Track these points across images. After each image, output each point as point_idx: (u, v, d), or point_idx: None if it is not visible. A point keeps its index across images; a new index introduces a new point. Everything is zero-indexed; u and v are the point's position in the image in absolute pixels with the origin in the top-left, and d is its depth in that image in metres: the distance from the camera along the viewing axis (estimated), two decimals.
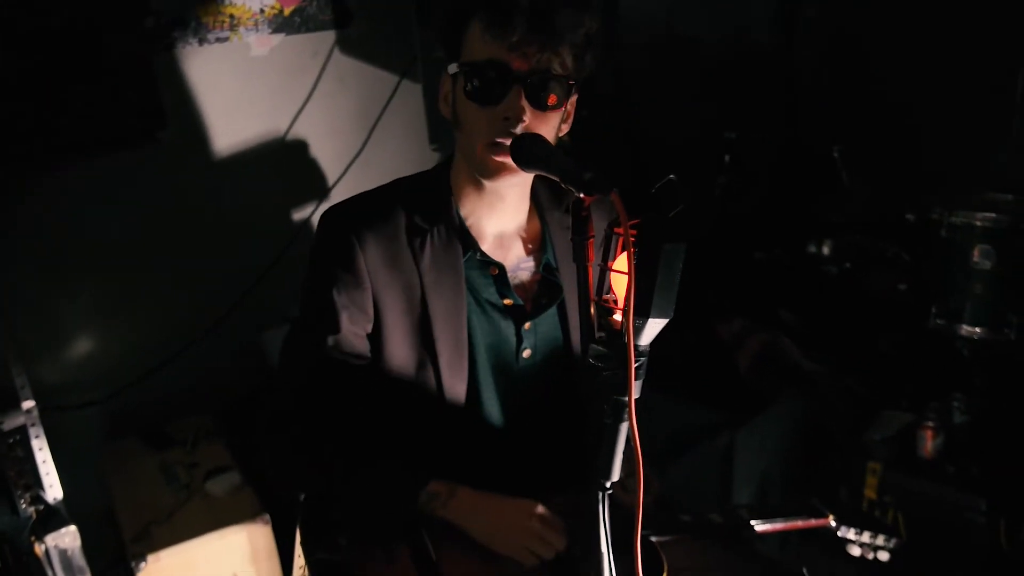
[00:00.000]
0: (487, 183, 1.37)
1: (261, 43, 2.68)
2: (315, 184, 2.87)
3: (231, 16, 2.59)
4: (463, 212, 1.43)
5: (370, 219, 1.39)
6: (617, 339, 1.10)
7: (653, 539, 1.48)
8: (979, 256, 2.29)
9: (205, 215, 2.62)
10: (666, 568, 1.37)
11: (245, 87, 2.67)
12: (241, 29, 2.63)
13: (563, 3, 1.27)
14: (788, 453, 2.47)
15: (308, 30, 2.77)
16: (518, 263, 1.47)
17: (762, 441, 2.40)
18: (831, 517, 1.67)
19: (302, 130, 2.82)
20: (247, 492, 2.11)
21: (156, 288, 2.57)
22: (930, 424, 2.32)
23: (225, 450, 2.32)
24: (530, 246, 1.48)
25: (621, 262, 1.10)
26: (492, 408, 1.49)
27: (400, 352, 1.41)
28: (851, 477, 2.39)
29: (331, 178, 2.89)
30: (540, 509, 1.33)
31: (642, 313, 1.05)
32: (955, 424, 2.36)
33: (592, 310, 1.13)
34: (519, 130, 1.28)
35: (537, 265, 1.47)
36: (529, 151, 1.22)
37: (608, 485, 1.15)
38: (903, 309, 2.56)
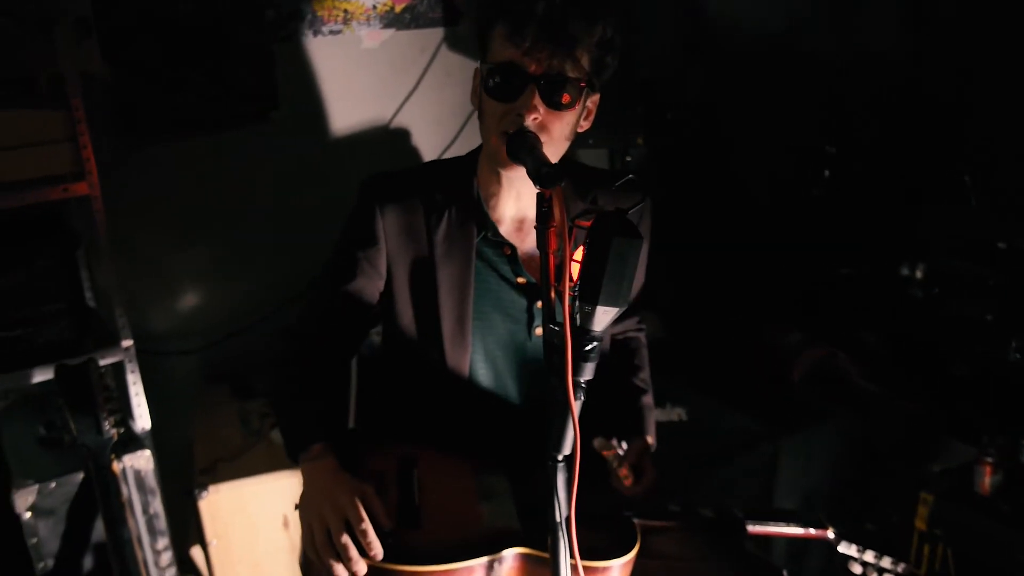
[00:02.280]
0: (500, 171, 1.49)
1: (372, 37, 2.89)
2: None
3: (345, 11, 2.81)
4: (484, 195, 1.56)
5: (395, 190, 1.56)
6: (571, 323, 1.19)
7: (636, 521, 1.55)
8: None
9: (306, 191, 2.84)
10: (639, 544, 1.43)
11: (354, 77, 2.88)
12: (354, 23, 2.84)
13: (576, 12, 1.37)
14: (836, 471, 2.44)
15: (418, 26, 2.94)
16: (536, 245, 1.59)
17: (808, 455, 2.38)
18: (830, 529, 1.66)
19: (406, 119, 3.00)
20: None
21: (256, 254, 2.82)
22: (989, 460, 2.24)
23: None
24: None
25: (581, 252, 1.19)
26: (503, 382, 1.61)
27: (406, 316, 1.56)
28: (903, 505, 2.34)
29: None
30: (351, 498, 1.31)
31: (590, 300, 1.14)
32: (1022, 463, 2.27)
33: (552, 295, 1.23)
34: (530, 124, 1.39)
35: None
36: (514, 146, 1.34)
37: (560, 458, 1.24)
38: (985, 340, 2.48)
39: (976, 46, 2.88)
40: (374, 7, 2.85)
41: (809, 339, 2.54)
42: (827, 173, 3.07)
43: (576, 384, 1.19)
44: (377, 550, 1.27)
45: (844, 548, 1.67)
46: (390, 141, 3.00)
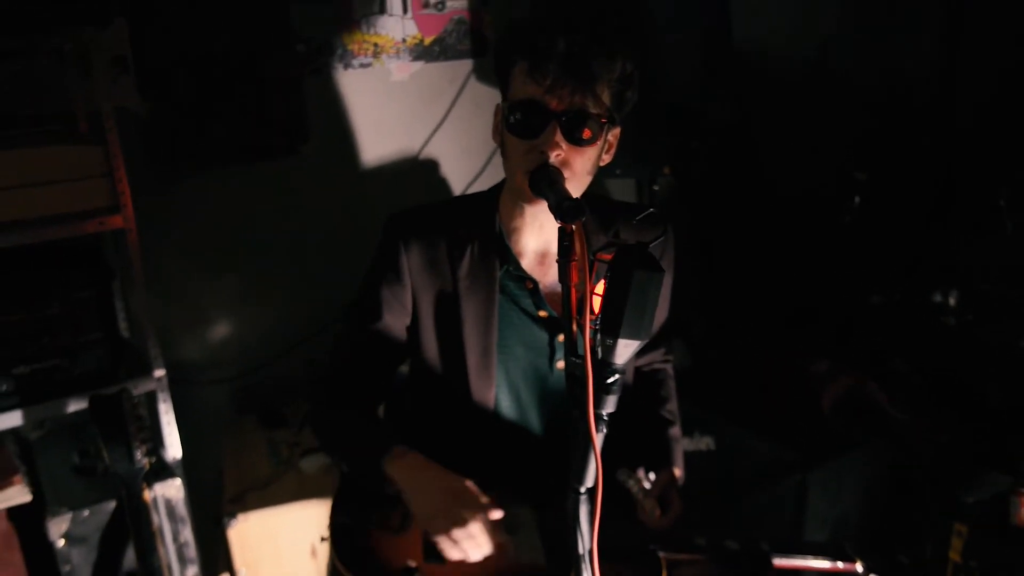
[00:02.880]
0: (524, 206, 1.51)
1: (401, 69, 2.93)
2: (442, 198, 3.07)
3: (375, 44, 2.86)
4: (506, 229, 1.57)
5: (419, 226, 1.58)
6: (594, 357, 1.20)
7: (662, 554, 1.55)
8: None
9: (336, 221, 2.88)
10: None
11: (384, 109, 2.92)
12: (384, 56, 2.89)
13: (597, 49, 1.38)
14: (867, 501, 2.41)
15: (447, 59, 2.99)
16: (558, 279, 1.60)
17: (838, 485, 2.35)
18: (859, 563, 1.64)
19: (434, 150, 3.04)
20: (334, 473, 2.34)
21: (286, 284, 2.86)
22: None
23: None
24: None
25: (603, 286, 1.20)
26: (527, 415, 1.62)
27: (431, 350, 1.58)
28: (937, 536, 2.30)
29: (457, 194, 3.09)
30: (470, 490, 1.42)
31: (612, 333, 1.15)
32: None
33: (574, 328, 1.24)
34: (553, 161, 1.41)
35: None
36: (536, 180, 1.35)
37: (582, 491, 1.25)
38: (1020, 367, 2.44)
39: (1009, 70, 2.87)
40: (403, 40, 2.90)
41: (839, 367, 2.51)
42: (857, 200, 3.06)
43: (598, 417, 1.19)
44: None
45: None
46: (419, 172, 3.03)
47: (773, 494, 2.39)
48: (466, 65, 3.02)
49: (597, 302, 1.21)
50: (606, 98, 1.42)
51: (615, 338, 1.15)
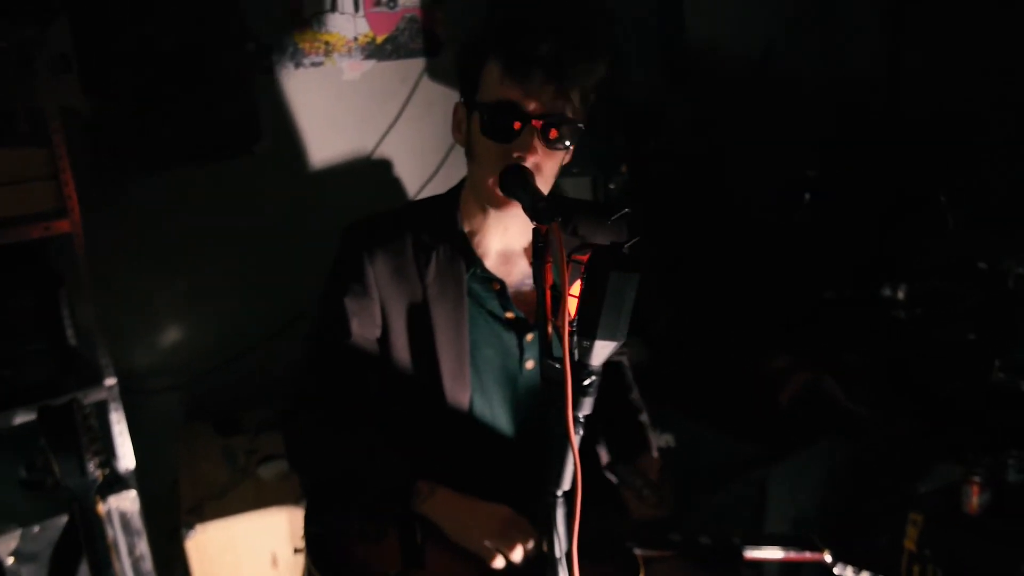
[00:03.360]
0: (492, 210, 1.49)
1: (353, 68, 2.89)
2: (396, 200, 3.04)
3: (326, 43, 2.81)
4: (469, 231, 1.55)
5: (381, 235, 1.54)
6: (570, 359, 1.19)
7: (638, 552, 1.55)
8: None
9: (290, 222, 2.83)
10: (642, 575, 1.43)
11: (336, 108, 2.87)
12: (335, 55, 2.84)
13: (580, 53, 1.37)
14: (826, 494, 2.44)
15: (399, 57, 2.95)
16: (522, 279, 1.58)
17: (798, 479, 2.38)
18: (826, 552, 1.66)
19: (387, 150, 3.00)
20: (293, 479, 2.29)
21: (238, 287, 2.79)
22: (977, 479, 2.25)
23: (282, 440, 2.51)
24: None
25: (578, 287, 1.19)
26: (498, 417, 1.61)
27: (403, 358, 1.55)
28: (892, 526, 2.35)
29: (411, 195, 3.06)
30: (510, 514, 1.41)
31: (588, 335, 1.14)
32: (1008, 482, 2.28)
33: (550, 330, 1.23)
34: (529, 165, 1.39)
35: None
36: (508, 181, 1.34)
37: (559, 494, 1.24)
38: (969, 360, 2.50)
39: (952, 68, 2.94)
40: (355, 39, 2.86)
41: (797, 363, 2.55)
42: (808, 197, 3.10)
43: (575, 419, 1.18)
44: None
45: (839, 570, 1.67)
46: (372, 172, 2.99)
47: (734, 490, 2.41)
48: (418, 64, 2.99)
49: (572, 304, 1.20)
50: (578, 102, 1.41)
51: (592, 340, 1.14)
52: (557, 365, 1.20)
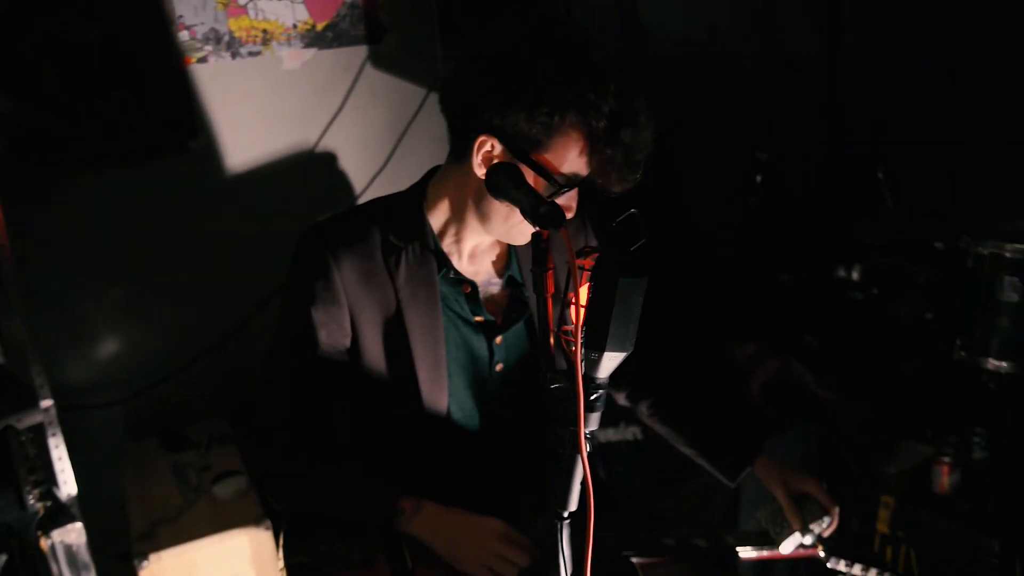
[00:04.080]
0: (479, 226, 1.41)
1: (293, 57, 2.75)
2: (342, 195, 2.92)
3: (264, 31, 2.66)
4: (437, 231, 1.46)
5: (345, 238, 1.43)
6: (573, 371, 1.11)
7: (634, 560, 1.49)
8: (1007, 289, 2.23)
9: (231, 223, 2.69)
10: None
11: (276, 100, 2.73)
12: (274, 43, 2.69)
13: (647, 138, 1.28)
14: None
15: (340, 45, 2.82)
16: (488, 279, 1.50)
17: None
18: (820, 548, 1.64)
19: (331, 142, 2.87)
20: (252, 497, 2.16)
21: (181, 293, 2.64)
22: (946, 459, 2.26)
23: (237, 454, 2.38)
24: (499, 262, 1.52)
25: (583, 294, 1.11)
26: (470, 421, 1.53)
27: (378, 366, 1.45)
28: (864, 510, 2.34)
29: (358, 188, 2.94)
30: (502, 528, 1.34)
31: (597, 346, 1.06)
32: (974, 460, 2.29)
33: (552, 341, 1.14)
34: None
35: (503, 280, 1.51)
36: (500, 182, 1.24)
37: (565, 515, 1.16)
38: (928, 339, 2.50)
39: (887, 47, 2.95)
40: (294, 26, 2.71)
41: (765, 350, 2.52)
42: (759, 179, 3.08)
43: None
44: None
45: (833, 564, 1.67)
46: (317, 166, 2.86)
47: (705, 482, 2.36)
48: (361, 52, 2.86)
49: (573, 312, 1.12)
50: None
51: (601, 352, 1.06)
52: (558, 380, 1.13)
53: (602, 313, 1.05)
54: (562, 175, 1.25)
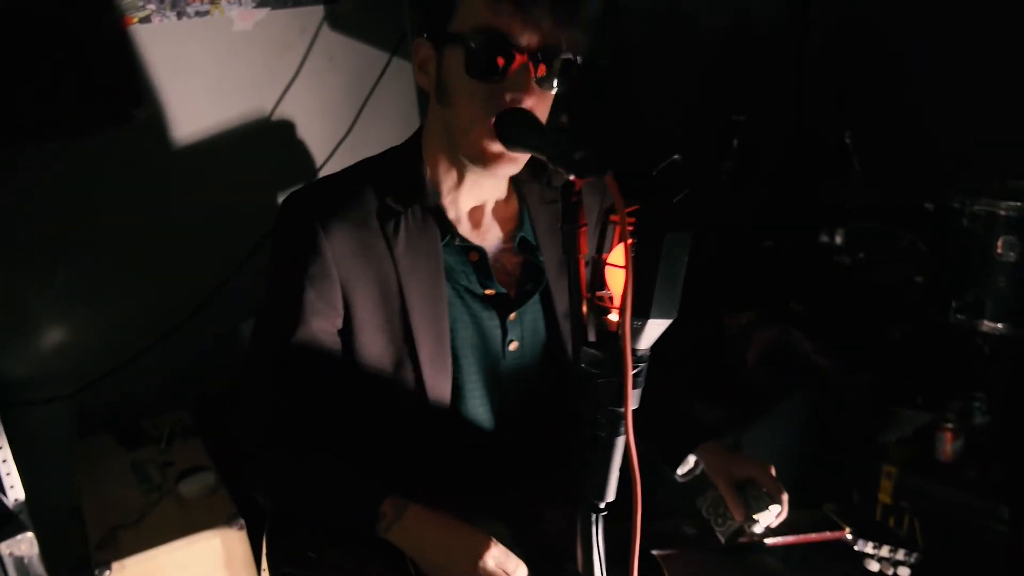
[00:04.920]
0: (477, 170, 1.25)
1: (244, 17, 2.54)
2: (302, 166, 2.73)
3: None
4: (438, 191, 1.30)
5: (336, 204, 1.27)
6: (613, 342, 0.97)
7: (655, 552, 1.37)
8: (1003, 247, 2.18)
9: (182, 199, 2.48)
10: None
11: (227, 64, 2.52)
12: (223, 2, 2.48)
13: None
14: (798, 454, 2.35)
15: (295, 4, 2.61)
16: (497, 244, 1.35)
17: (771, 441, 2.27)
18: (847, 530, 1.56)
19: (288, 110, 2.67)
20: (222, 494, 1.98)
21: (130, 276, 2.43)
22: (949, 425, 2.20)
23: (201, 448, 2.19)
24: (508, 223, 1.37)
25: (617, 254, 0.97)
26: (478, 408, 1.37)
27: (376, 348, 1.28)
28: (865, 480, 2.28)
29: (319, 159, 2.75)
30: (492, 548, 1.17)
31: (641, 313, 0.93)
32: (975, 425, 2.24)
33: (584, 309, 1.00)
34: (524, 108, 1.15)
35: (514, 243, 1.36)
36: (515, 127, 1.10)
37: (602, 507, 1.03)
38: (919, 302, 2.45)
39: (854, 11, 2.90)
40: None
41: (761, 319, 2.42)
42: (736, 143, 2.99)
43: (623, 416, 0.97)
44: None
45: (860, 546, 1.59)
46: (273, 135, 2.66)
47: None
48: (317, 12, 2.66)
49: (611, 275, 0.98)
50: (578, 38, 1.17)
51: (645, 318, 0.92)
52: (594, 352, 0.99)
53: (646, 275, 0.91)
54: (480, 33, 1.13)
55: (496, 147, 1.17)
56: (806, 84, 3.09)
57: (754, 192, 3.00)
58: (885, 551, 1.59)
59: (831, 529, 1.55)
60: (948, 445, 2.19)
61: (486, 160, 1.20)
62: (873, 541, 1.58)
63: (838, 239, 2.65)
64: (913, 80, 2.79)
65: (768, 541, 1.47)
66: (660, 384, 1.54)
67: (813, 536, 1.53)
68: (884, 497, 2.24)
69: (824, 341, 2.43)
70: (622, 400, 0.94)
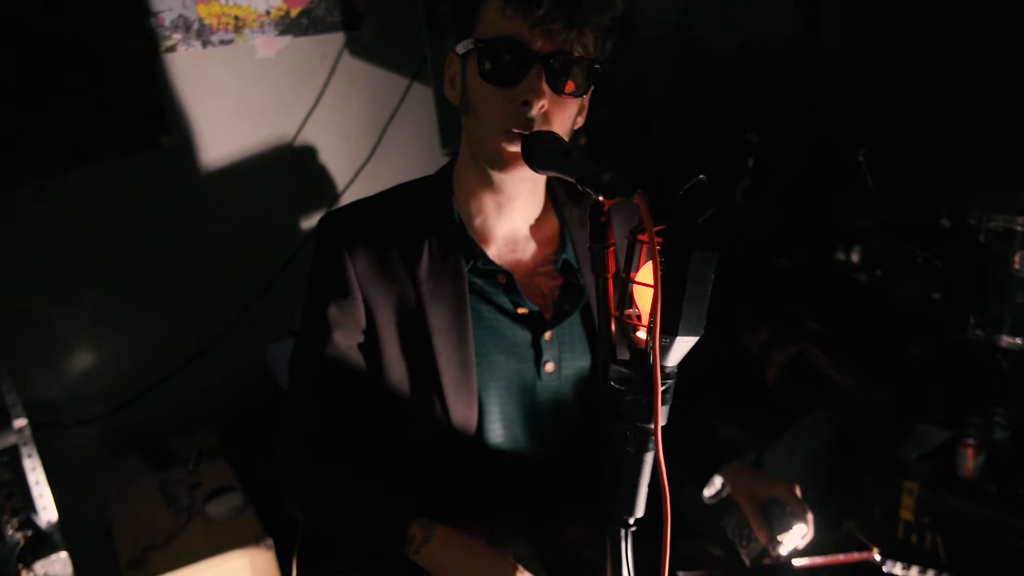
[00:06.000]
0: (497, 176, 1.26)
1: (267, 46, 2.60)
2: (324, 190, 2.78)
3: (236, 18, 2.50)
4: (467, 214, 1.33)
5: (362, 227, 1.30)
6: (641, 360, 0.99)
7: (681, 574, 1.38)
8: (1020, 263, 2.18)
9: (209, 223, 2.54)
10: None
11: (251, 91, 2.58)
12: (246, 31, 2.54)
13: None
14: (818, 471, 2.35)
15: (316, 32, 2.67)
16: (535, 266, 1.36)
17: (790, 458, 2.28)
18: (875, 551, 1.55)
19: (311, 135, 2.73)
20: (249, 514, 2.01)
21: (158, 300, 2.48)
22: (971, 441, 2.19)
23: (228, 468, 2.22)
24: (548, 246, 1.38)
25: (645, 273, 0.99)
26: (508, 431, 1.37)
27: (398, 370, 1.31)
28: (886, 497, 2.27)
29: (341, 184, 2.80)
30: (519, 572, 1.18)
31: (670, 331, 0.94)
32: (996, 440, 2.23)
33: (613, 327, 1.02)
34: (536, 114, 1.17)
35: (555, 266, 1.37)
36: (541, 150, 1.12)
37: (632, 522, 1.04)
38: (937, 318, 2.44)
39: (866, 25, 2.92)
40: (267, 12, 2.56)
41: (780, 336, 2.43)
42: (751, 162, 3.01)
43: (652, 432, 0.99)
44: None
45: (889, 567, 1.58)
46: (296, 160, 2.71)
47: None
48: (338, 39, 2.72)
49: (639, 293, 1.00)
50: (591, 44, 1.20)
51: (673, 336, 0.94)
52: (623, 370, 1.01)
53: (674, 293, 0.93)
54: (495, 40, 1.18)
55: (512, 148, 1.19)
56: (819, 102, 3.11)
57: (769, 210, 3.02)
58: (914, 572, 1.57)
59: (858, 550, 1.53)
60: (970, 461, 2.18)
61: (503, 163, 1.22)
62: (902, 562, 1.56)
63: (855, 256, 2.66)
64: (925, 96, 2.79)
65: (795, 563, 1.46)
66: (686, 403, 1.56)
67: (841, 558, 1.52)
68: (906, 514, 2.23)
69: (843, 359, 2.43)
70: (651, 416, 0.96)
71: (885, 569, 1.55)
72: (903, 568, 1.56)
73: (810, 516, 1.39)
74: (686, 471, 1.48)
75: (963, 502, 2.14)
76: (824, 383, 2.33)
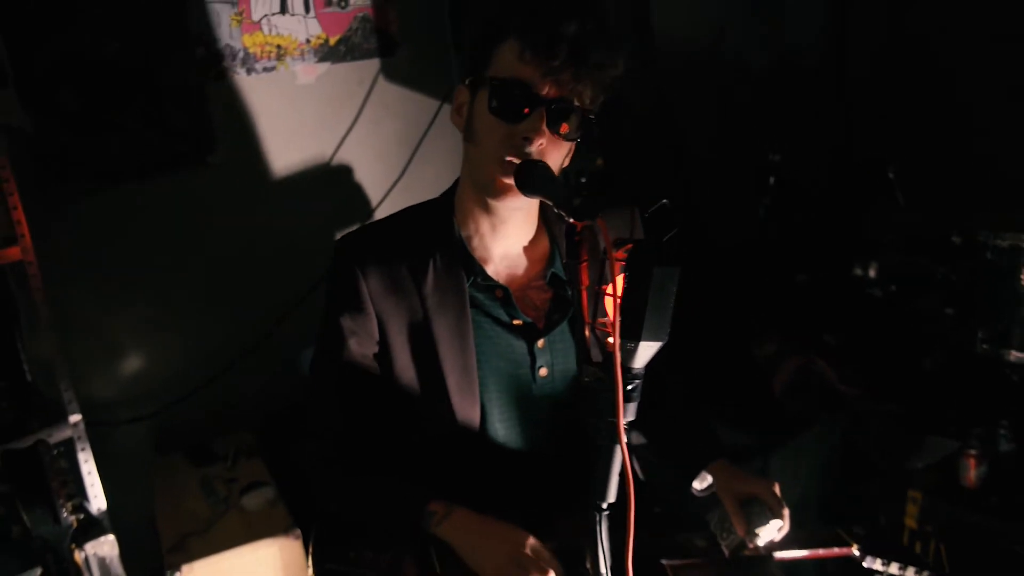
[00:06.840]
0: (491, 202, 1.40)
1: (307, 72, 2.77)
2: (359, 207, 2.94)
3: (278, 46, 2.68)
4: (466, 234, 1.46)
5: (373, 247, 1.45)
6: (611, 361, 1.12)
7: (664, 562, 1.48)
8: None
9: (251, 236, 2.71)
10: None
11: (292, 114, 2.76)
12: (288, 59, 2.72)
13: (603, 41, 1.30)
14: (824, 479, 2.41)
15: (353, 59, 2.84)
16: (528, 281, 1.50)
17: (796, 466, 2.35)
18: (855, 546, 1.62)
19: (347, 155, 2.89)
20: (280, 507, 2.17)
21: (203, 307, 2.66)
22: (973, 452, 2.24)
23: (263, 465, 2.39)
24: (540, 263, 1.51)
25: (619, 286, 1.12)
26: (507, 430, 1.51)
27: (408, 375, 1.45)
28: (891, 505, 2.33)
29: (375, 199, 2.96)
30: (531, 540, 1.30)
31: (632, 336, 1.07)
32: (1001, 452, 2.28)
33: (587, 333, 1.15)
34: (534, 150, 1.31)
35: (545, 280, 1.50)
36: (529, 177, 1.26)
37: (604, 507, 1.16)
38: (949, 333, 2.50)
39: (895, 43, 2.96)
40: (307, 41, 2.74)
41: (787, 348, 2.51)
42: (772, 180, 3.09)
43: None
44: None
45: (869, 563, 1.64)
46: (333, 179, 2.88)
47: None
48: (373, 65, 2.89)
49: (609, 304, 1.13)
50: (589, 96, 1.33)
51: (637, 341, 1.07)
52: (597, 370, 1.13)
53: (637, 303, 1.05)
54: (507, 80, 1.30)
55: (506, 180, 1.32)
56: (847, 118, 3.16)
57: (790, 227, 3.08)
58: (894, 568, 1.63)
59: (839, 546, 1.61)
60: (972, 471, 2.23)
61: (496, 191, 1.35)
62: (882, 558, 1.63)
63: (871, 272, 2.73)
64: (956, 110, 2.81)
65: (776, 555, 1.55)
66: (683, 404, 1.68)
67: (821, 552, 1.60)
68: (910, 522, 2.28)
69: (853, 371, 2.50)
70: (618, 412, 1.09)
71: (865, 565, 1.61)
72: (883, 564, 1.61)
73: (786, 512, 1.48)
74: (677, 465, 1.58)
75: (965, 511, 2.20)
76: (830, 393, 2.41)
